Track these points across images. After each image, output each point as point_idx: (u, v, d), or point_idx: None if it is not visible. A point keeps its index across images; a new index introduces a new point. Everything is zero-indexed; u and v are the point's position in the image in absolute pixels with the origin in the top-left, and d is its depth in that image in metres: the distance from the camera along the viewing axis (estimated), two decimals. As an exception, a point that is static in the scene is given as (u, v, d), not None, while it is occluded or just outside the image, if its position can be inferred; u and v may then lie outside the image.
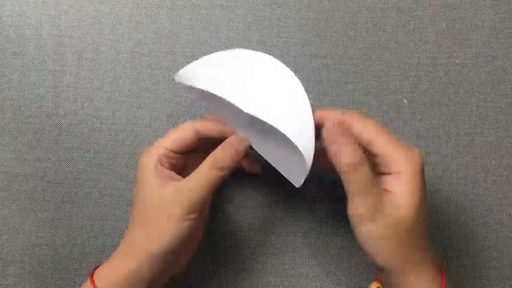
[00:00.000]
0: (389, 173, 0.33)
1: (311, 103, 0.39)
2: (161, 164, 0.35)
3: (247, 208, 0.43)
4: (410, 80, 0.44)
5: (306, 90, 0.44)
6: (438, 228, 0.43)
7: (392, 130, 0.44)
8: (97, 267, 0.35)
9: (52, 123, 0.43)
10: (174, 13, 0.44)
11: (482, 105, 0.44)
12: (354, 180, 0.32)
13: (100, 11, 0.44)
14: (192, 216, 0.33)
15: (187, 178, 0.34)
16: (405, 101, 0.44)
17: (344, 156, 0.31)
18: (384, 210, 0.32)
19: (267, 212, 0.43)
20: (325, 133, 0.33)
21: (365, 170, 0.31)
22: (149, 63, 0.44)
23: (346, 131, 0.32)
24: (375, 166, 0.34)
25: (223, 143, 0.36)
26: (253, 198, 0.43)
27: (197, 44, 0.44)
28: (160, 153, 0.35)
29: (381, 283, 0.38)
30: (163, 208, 0.34)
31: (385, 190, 0.33)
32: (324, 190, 0.43)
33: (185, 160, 0.37)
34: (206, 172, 0.34)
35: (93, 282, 0.34)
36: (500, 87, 0.44)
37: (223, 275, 0.42)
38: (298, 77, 0.40)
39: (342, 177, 0.32)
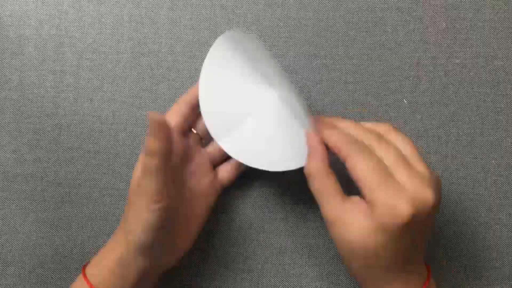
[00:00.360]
0: (364, 197, 0.31)
1: (311, 103, 0.39)
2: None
3: (247, 208, 0.43)
4: (410, 80, 0.44)
5: (306, 90, 0.44)
6: (438, 228, 0.43)
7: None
8: (88, 262, 0.36)
9: (52, 123, 0.43)
10: (174, 13, 0.44)
11: (482, 105, 0.44)
12: (316, 184, 0.33)
13: (100, 11, 0.44)
14: (155, 206, 0.32)
15: None
16: (405, 101, 0.44)
17: (309, 164, 0.33)
18: (338, 228, 0.32)
19: (267, 212, 0.43)
20: (307, 139, 0.35)
21: (327, 180, 0.32)
22: (149, 63, 0.44)
23: (315, 143, 0.34)
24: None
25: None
26: (253, 198, 0.43)
27: (197, 44, 0.44)
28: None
29: None
30: (132, 198, 0.34)
31: (351, 212, 0.32)
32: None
33: (185, 144, 0.37)
34: (142, 161, 0.33)
35: (84, 274, 0.35)
36: (500, 87, 0.44)
37: (223, 275, 0.42)
38: (298, 77, 0.40)
39: (308, 182, 0.34)
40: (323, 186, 0.33)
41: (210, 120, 0.36)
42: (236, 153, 0.36)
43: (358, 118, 0.43)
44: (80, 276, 0.35)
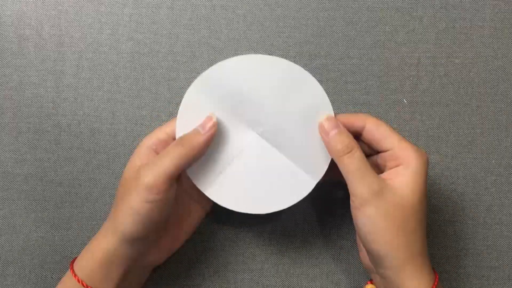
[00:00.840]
0: (397, 165, 0.34)
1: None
2: (156, 150, 0.35)
3: (247, 208, 0.43)
4: (410, 80, 0.44)
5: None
6: (439, 228, 0.43)
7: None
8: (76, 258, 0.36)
9: (52, 123, 0.43)
10: (174, 13, 0.44)
11: (482, 105, 0.44)
12: (348, 164, 0.33)
13: (100, 11, 0.44)
14: (150, 197, 0.32)
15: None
16: (405, 101, 0.44)
17: (336, 143, 0.34)
18: (387, 195, 0.32)
19: (267, 213, 0.43)
20: (320, 129, 0.35)
21: (359, 154, 0.34)
22: (149, 63, 0.44)
23: (337, 124, 0.35)
24: (382, 162, 0.36)
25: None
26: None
27: (197, 44, 0.44)
28: (159, 138, 0.35)
29: (374, 285, 0.37)
30: (127, 188, 0.33)
31: (391, 179, 0.34)
32: (324, 191, 0.43)
33: None
34: (169, 152, 0.33)
35: (72, 269, 0.35)
36: (500, 87, 0.44)
37: (223, 275, 0.42)
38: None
39: (339, 165, 0.34)
40: (356, 163, 0.34)
41: (193, 173, 0.36)
42: (225, 202, 0.36)
43: (358, 118, 0.43)
44: (69, 271, 0.35)
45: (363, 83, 0.44)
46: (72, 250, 0.42)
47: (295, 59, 0.44)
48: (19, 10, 0.43)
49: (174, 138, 0.36)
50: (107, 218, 0.36)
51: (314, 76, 0.35)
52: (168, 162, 0.33)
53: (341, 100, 0.43)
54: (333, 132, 0.34)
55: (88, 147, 0.43)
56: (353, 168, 0.33)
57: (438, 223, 0.43)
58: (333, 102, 0.44)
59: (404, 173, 0.33)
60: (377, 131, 0.35)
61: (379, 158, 0.36)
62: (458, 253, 0.43)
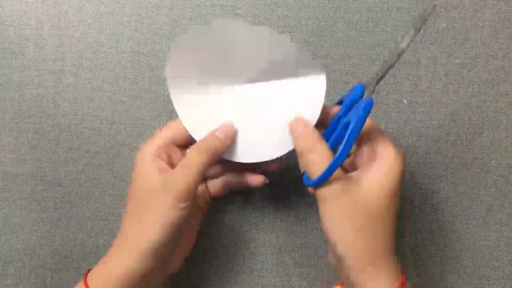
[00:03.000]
0: (373, 160, 0.33)
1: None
2: (159, 157, 0.35)
3: (247, 209, 0.43)
4: (410, 80, 0.44)
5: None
6: (439, 228, 0.43)
7: (392, 130, 0.44)
8: (89, 270, 0.35)
9: (52, 123, 0.43)
10: (174, 13, 0.44)
11: (482, 105, 0.44)
12: (310, 159, 0.33)
13: (100, 11, 0.44)
14: (182, 205, 0.32)
15: (176, 166, 0.34)
16: (405, 101, 0.44)
17: (297, 142, 0.34)
18: (350, 195, 0.31)
19: (267, 212, 0.43)
20: (290, 126, 0.36)
21: (321, 150, 0.33)
22: (149, 63, 0.44)
23: (305, 123, 0.35)
24: (359, 160, 0.35)
25: (212, 130, 0.36)
26: (254, 198, 0.43)
27: (197, 44, 0.44)
28: (159, 144, 0.35)
29: (343, 286, 0.37)
30: (153, 198, 0.33)
31: (362, 176, 0.33)
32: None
33: (183, 156, 0.37)
34: (191, 157, 0.33)
35: (86, 284, 0.33)
36: (500, 87, 0.44)
37: (223, 275, 0.42)
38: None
39: (301, 164, 0.34)
40: (315, 158, 0.33)
41: (196, 133, 0.36)
42: (227, 155, 0.37)
43: (358, 118, 0.43)
44: (81, 283, 0.34)
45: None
46: (72, 250, 0.42)
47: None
48: (19, 10, 0.43)
49: (174, 143, 0.36)
50: (118, 234, 0.34)
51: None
52: (195, 170, 0.33)
53: (341, 100, 0.44)
54: (298, 132, 0.34)
55: (88, 147, 0.43)
56: (314, 163, 0.32)
57: (438, 223, 0.43)
58: (333, 102, 0.44)
59: (378, 169, 0.32)
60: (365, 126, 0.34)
61: (357, 157, 0.35)
62: (458, 253, 0.43)
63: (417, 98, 0.44)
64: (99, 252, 0.43)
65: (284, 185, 0.43)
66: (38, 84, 0.43)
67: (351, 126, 0.31)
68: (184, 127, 0.36)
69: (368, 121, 0.34)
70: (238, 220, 0.43)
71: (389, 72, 0.33)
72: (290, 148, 0.36)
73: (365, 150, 0.34)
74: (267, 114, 0.36)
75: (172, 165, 0.35)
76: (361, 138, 0.35)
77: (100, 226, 0.43)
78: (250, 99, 0.36)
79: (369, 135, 0.34)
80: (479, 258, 0.43)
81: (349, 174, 0.33)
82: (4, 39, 0.43)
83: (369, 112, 0.31)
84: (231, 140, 0.36)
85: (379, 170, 0.32)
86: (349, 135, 0.31)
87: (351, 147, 0.31)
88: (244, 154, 0.37)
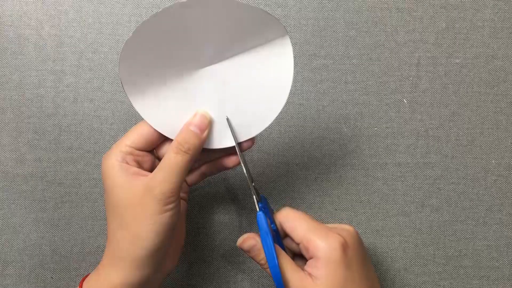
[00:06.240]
0: (310, 258, 0.34)
1: (311, 103, 0.39)
2: (127, 163, 0.33)
3: (247, 209, 0.43)
4: (410, 80, 0.44)
5: (306, 90, 0.44)
6: (438, 228, 0.43)
7: (392, 130, 0.44)
8: (84, 278, 0.34)
9: (52, 123, 0.43)
10: (174, 13, 0.44)
11: (482, 105, 0.44)
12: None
13: (100, 11, 0.44)
14: (169, 206, 0.32)
15: (155, 169, 0.33)
16: (405, 101, 0.44)
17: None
18: None
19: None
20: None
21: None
22: (149, 63, 0.44)
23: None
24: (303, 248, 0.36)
25: (184, 125, 0.35)
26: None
27: (197, 44, 0.44)
28: (123, 151, 0.34)
29: None
30: (137, 206, 0.32)
31: (311, 273, 0.34)
32: (324, 193, 0.43)
33: (153, 158, 0.36)
34: (173, 158, 0.33)
35: None
36: (500, 87, 0.44)
37: (223, 275, 0.42)
38: (298, 77, 0.39)
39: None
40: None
41: (167, 130, 0.35)
42: (213, 145, 0.36)
43: (358, 118, 0.43)
44: None
45: (363, 83, 0.44)
46: (72, 250, 0.42)
47: (295, 59, 0.44)
48: (19, 10, 0.43)
49: (140, 147, 0.35)
50: (107, 245, 0.34)
51: (314, 76, 0.35)
52: (177, 170, 0.32)
53: (341, 100, 0.43)
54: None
55: (88, 147, 0.43)
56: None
57: (438, 223, 0.43)
58: (333, 102, 0.44)
59: (317, 266, 0.34)
60: (287, 224, 0.36)
61: (300, 245, 0.36)
62: (458, 253, 0.43)
63: (417, 98, 0.44)
64: (99, 252, 0.43)
65: (284, 184, 0.43)
66: (38, 84, 0.43)
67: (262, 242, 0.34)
68: (153, 128, 0.34)
69: (289, 217, 0.36)
70: (238, 220, 0.43)
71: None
72: (266, 124, 0.36)
73: (301, 246, 0.35)
74: (237, 93, 0.35)
75: (143, 168, 0.34)
76: (291, 236, 0.36)
77: (100, 226, 0.43)
78: (216, 81, 0.35)
79: (293, 232, 0.35)
80: (479, 258, 0.43)
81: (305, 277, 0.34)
82: (4, 39, 0.43)
83: (264, 225, 0.34)
84: (208, 131, 0.35)
85: (320, 268, 0.34)
86: (265, 252, 0.34)
87: (275, 258, 0.34)
88: (221, 138, 0.36)
